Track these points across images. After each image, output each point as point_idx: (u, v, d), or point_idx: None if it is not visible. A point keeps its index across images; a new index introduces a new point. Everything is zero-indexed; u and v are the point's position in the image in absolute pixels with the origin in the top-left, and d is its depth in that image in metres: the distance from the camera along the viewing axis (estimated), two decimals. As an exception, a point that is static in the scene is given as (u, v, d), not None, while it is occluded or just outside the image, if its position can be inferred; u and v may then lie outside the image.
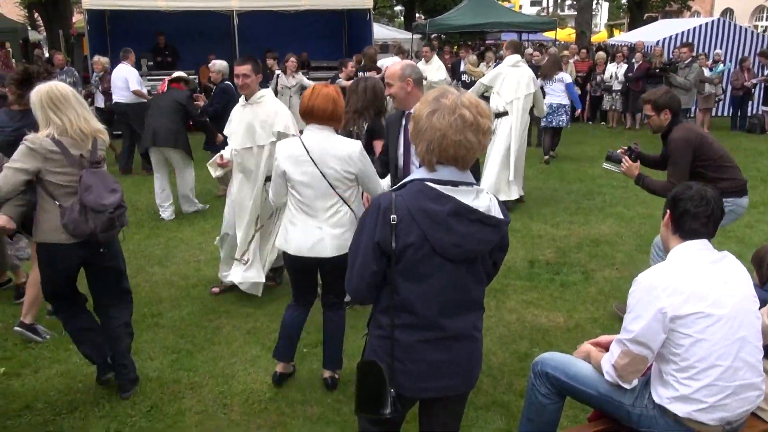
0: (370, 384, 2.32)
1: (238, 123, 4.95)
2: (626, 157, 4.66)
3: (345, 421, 3.64)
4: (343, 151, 3.49)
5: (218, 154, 5.13)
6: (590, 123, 15.35)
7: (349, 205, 3.58)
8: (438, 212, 2.14)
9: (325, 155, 3.50)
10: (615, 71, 14.41)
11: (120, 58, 10.28)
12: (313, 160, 3.49)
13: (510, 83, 7.78)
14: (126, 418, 3.67)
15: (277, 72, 10.71)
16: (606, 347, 2.87)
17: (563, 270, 5.95)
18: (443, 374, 2.30)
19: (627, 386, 2.67)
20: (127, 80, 9.98)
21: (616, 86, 14.38)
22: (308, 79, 12.59)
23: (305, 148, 3.51)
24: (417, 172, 2.25)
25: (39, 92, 3.48)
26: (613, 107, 14.63)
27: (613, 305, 5.04)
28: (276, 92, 10.34)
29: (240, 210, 5.09)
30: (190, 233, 7.12)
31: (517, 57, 7.96)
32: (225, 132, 5.20)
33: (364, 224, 2.25)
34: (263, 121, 4.84)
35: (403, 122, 3.89)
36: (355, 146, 3.53)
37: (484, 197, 2.24)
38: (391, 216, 2.15)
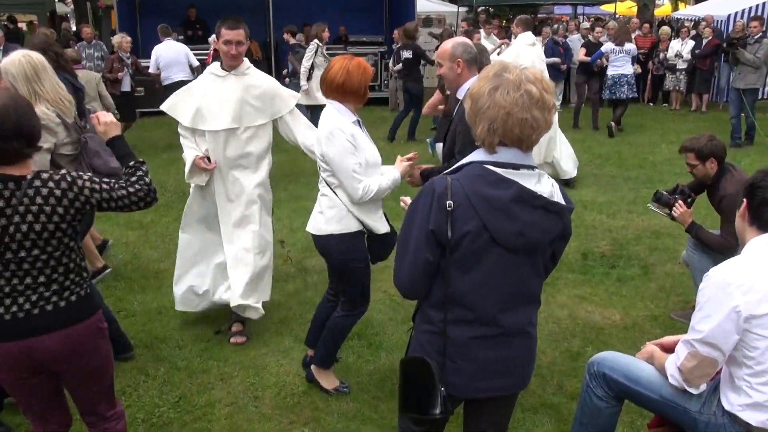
0: (418, 382, 2.29)
1: (216, 99, 4.20)
2: (680, 202, 4.52)
3: (383, 418, 3.64)
4: (320, 129, 3.44)
5: (195, 156, 4.21)
6: (651, 104, 15.00)
7: (332, 189, 3.49)
8: (499, 198, 2.09)
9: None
10: (680, 48, 14.03)
11: (162, 35, 10.38)
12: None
13: (531, 62, 7.80)
14: (153, 408, 3.74)
15: (315, 43, 10.62)
16: (670, 349, 2.79)
17: (620, 263, 5.84)
18: (497, 373, 2.28)
19: (694, 391, 2.60)
20: (188, 56, 10.10)
21: (681, 65, 14.00)
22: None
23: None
24: (474, 154, 2.20)
25: (19, 64, 3.42)
26: (677, 87, 14.26)
27: (671, 313, 4.91)
28: (312, 67, 10.24)
29: (225, 215, 4.33)
30: (220, 216, 7.18)
31: (531, 35, 8.17)
32: (173, 110, 4.33)
33: (415, 210, 2.19)
34: (260, 96, 4.24)
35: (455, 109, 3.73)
36: (325, 127, 3.37)
37: (546, 182, 2.19)
38: (447, 202, 2.10)
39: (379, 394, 3.87)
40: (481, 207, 2.09)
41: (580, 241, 6.39)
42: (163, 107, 4.40)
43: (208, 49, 13.94)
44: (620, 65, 11.16)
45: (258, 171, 4.33)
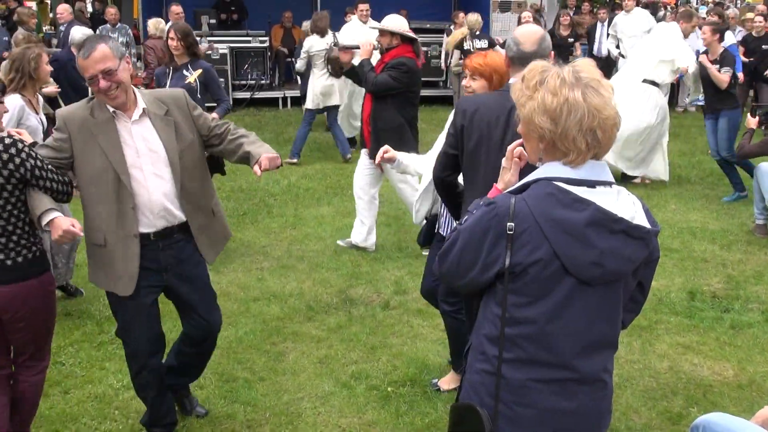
0: None
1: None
2: None
3: (438, 483, 3.66)
4: None
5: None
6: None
7: None
8: (573, 221, 2.12)
9: None
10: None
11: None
12: None
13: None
14: (169, 458, 3.84)
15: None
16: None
17: (735, 306, 5.73)
18: (561, 427, 2.28)
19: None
20: None
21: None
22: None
23: None
24: (545, 169, 2.22)
25: None
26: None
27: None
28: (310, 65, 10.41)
29: None
30: (252, 233, 7.35)
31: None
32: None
33: (468, 230, 2.25)
34: None
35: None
36: None
37: (626, 200, 2.21)
38: (508, 224, 2.15)
39: (435, 454, 3.89)
40: (552, 232, 2.13)
41: (687, 276, 6.29)
42: None
43: (243, 36, 14.35)
44: None
45: None
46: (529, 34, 3.46)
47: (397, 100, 6.29)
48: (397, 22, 6.32)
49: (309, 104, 10.21)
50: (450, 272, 2.33)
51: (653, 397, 4.47)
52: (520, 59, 3.33)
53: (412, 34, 6.35)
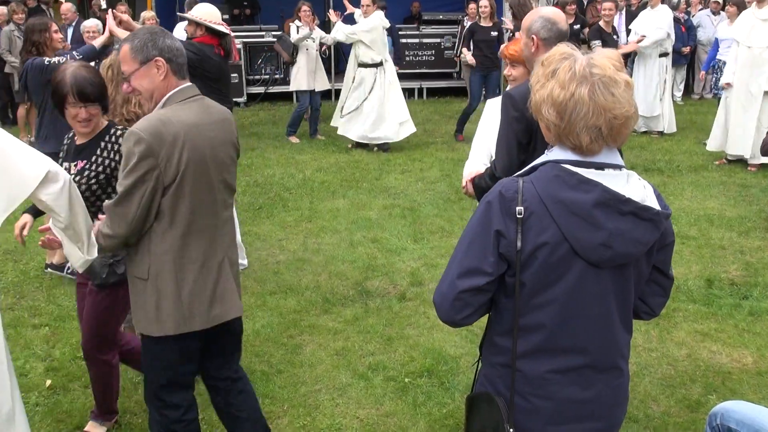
0: (482, 423, 2.35)
1: None
2: None
3: (456, 473, 3.67)
4: None
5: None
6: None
7: None
8: (580, 202, 2.11)
9: None
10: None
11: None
12: None
13: None
14: (188, 450, 3.86)
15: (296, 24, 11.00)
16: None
17: (754, 293, 5.70)
18: (580, 416, 2.28)
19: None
20: None
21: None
22: (420, 36, 12.47)
23: None
24: (551, 153, 2.22)
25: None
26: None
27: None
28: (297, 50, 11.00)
29: None
30: (268, 227, 7.37)
31: None
32: None
33: (474, 217, 2.24)
34: None
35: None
36: None
37: (637, 183, 2.19)
38: (517, 208, 2.13)
39: (453, 444, 3.90)
40: (559, 214, 2.12)
41: (704, 264, 6.26)
42: None
43: (257, 31, 14.36)
44: None
45: None
46: (559, 13, 3.55)
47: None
48: (203, 13, 5.85)
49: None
50: (461, 272, 2.24)
51: (672, 384, 4.46)
52: (558, 39, 3.39)
53: (219, 28, 5.83)
